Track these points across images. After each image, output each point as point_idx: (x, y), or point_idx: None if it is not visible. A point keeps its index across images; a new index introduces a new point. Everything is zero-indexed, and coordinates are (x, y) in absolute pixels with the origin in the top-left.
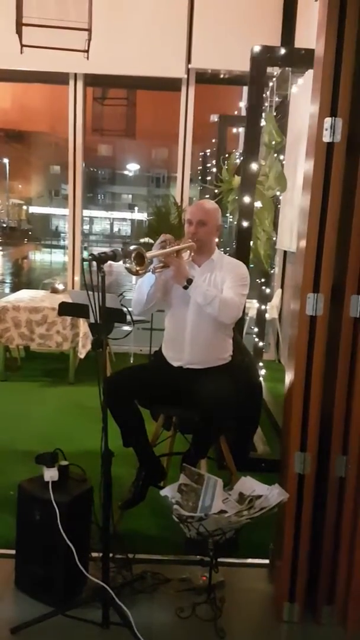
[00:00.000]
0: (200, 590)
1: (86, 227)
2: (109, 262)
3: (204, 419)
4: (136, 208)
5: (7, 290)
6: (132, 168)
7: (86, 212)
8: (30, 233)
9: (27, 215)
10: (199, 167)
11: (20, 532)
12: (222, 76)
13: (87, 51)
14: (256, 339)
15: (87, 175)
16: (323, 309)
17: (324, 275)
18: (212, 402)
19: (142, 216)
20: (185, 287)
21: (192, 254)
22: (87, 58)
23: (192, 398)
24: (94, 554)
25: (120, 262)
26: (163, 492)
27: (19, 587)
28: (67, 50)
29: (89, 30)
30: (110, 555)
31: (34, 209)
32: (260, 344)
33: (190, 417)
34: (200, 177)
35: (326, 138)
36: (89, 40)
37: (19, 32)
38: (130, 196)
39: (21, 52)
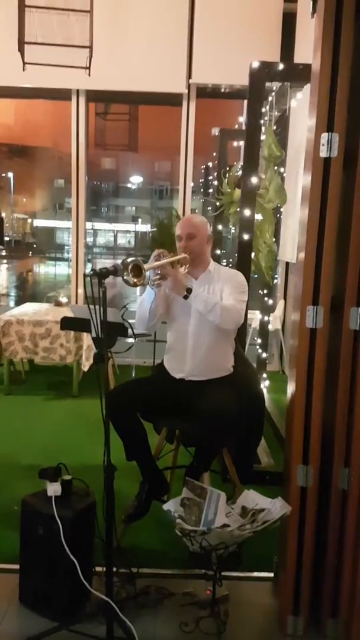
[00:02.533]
0: (204, 605)
1: (90, 239)
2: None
3: (206, 431)
4: (140, 220)
5: (12, 303)
6: (135, 181)
7: (90, 225)
8: (35, 246)
9: (31, 229)
10: (200, 180)
11: (23, 547)
12: (223, 90)
13: (88, 68)
14: (259, 350)
15: (91, 188)
16: (323, 321)
17: (323, 287)
18: (214, 414)
19: (146, 228)
20: (186, 297)
21: (187, 266)
22: (89, 75)
23: (194, 410)
24: (98, 569)
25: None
26: (166, 507)
27: (22, 602)
28: (69, 67)
29: (90, 47)
30: (114, 569)
31: (38, 222)
32: (264, 355)
33: (193, 429)
34: (202, 190)
35: (323, 153)
36: (90, 57)
37: (21, 50)
38: (133, 208)
39: (23, 70)
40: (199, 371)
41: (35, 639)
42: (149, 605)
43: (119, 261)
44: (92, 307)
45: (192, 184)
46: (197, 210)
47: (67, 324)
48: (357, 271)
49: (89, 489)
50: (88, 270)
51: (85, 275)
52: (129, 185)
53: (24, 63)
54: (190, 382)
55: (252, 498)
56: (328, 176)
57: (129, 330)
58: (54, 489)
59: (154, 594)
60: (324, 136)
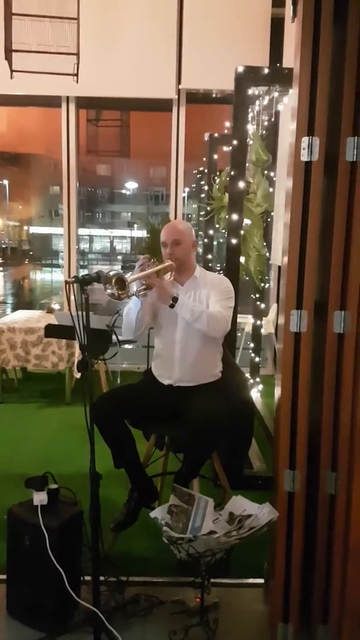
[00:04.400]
0: (193, 613)
1: (86, 245)
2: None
3: (194, 437)
4: (135, 226)
5: (8, 310)
6: (130, 187)
7: (86, 231)
8: (31, 253)
9: (27, 236)
10: (192, 185)
11: (10, 557)
12: (214, 95)
13: (76, 75)
14: (252, 355)
15: (87, 194)
16: (307, 325)
17: (306, 291)
18: (203, 420)
19: (142, 233)
20: (172, 306)
21: (173, 273)
22: (77, 81)
23: (182, 417)
24: (87, 578)
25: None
26: (153, 514)
27: (10, 612)
28: (56, 75)
29: (77, 54)
30: (104, 578)
31: (34, 229)
32: (257, 359)
33: (181, 436)
34: (198, 195)
35: (304, 157)
36: (78, 64)
37: (8, 58)
38: (129, 214)
39: (11, 77)
40: (187, 377)
41: None
42: (138, 614)
43: (117, 267)
44: (74, 314)
45: (187, 189)
46: (192, 215)
47: (51, 331)
48: (341, 275)
49: (76, 498)
50: (70, 277)
51: (66, 282)
52: (123, 191)
53: (12, 71)
54: (178, 388)
55: (240, 504)
56: (309, 180)
57: (113, 337)
58: (40, 498)
59: (144, 602)
60: (305, 140)
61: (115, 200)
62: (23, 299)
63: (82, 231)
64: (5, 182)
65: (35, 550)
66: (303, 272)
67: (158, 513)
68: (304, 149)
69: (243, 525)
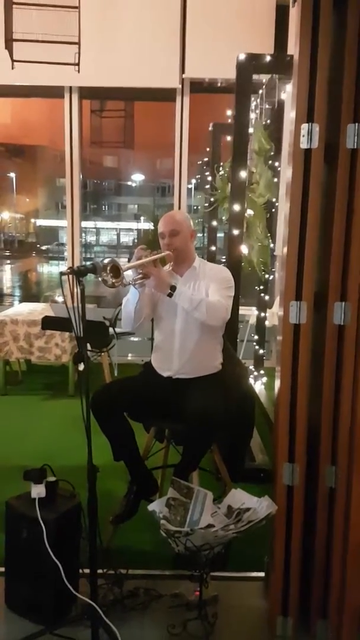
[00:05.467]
0: (192, 606)
1: (93, 238)
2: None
3: (193, 430)
4: (142, 218)
5: (15, 303)
6: (137, 179)
7: (92, 224)
8: (38, 246)
9: (34, 229)
10: (197, 176)
11: (8, 550)
12: (219, 85)
13: (77, 64)
14: (256, 347)
15: (93, 187)
16: (306, 316)
17: (306, 282)
18: (201, 413)
19: (149, 226)
20: (170, 295)
21: (172, 264)
22: (78, 71)
23: (182, 409)
24: (86, 571)
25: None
26: (150, 507)
27: (8, 605)
28: (58, 64)
29: (78, 43)
30: (103, 571)
31: (41, 222)
32: (261, 351)
33: (181, 428)
34: (200, 186)
35: (303, 144)
36: (79, 53)
37: (8, 47)
38: (135, 206)
39: (12, 68)
40: (186, 369)
41: None
42: (136, 607)
43: (123, 259)
44: (70, 306)
45: (194, 181)
46: (198, 207)
47: (48, 323)
48: (341, 265)
49: (75, 491)
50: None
51: (61, 274)
52: (130, 183)
53: (13, 61)
54: (177, 380)
55: (239, 497)
56: (309, 168)
57: (110, 329)
58: (37, 491)
59: (143, 595)
60: (304, 127)
61: (122, 192)
62: (29, 291)
63: (89, 224)
64: (12, 174)
65: (32, 543)
66: (303, 262)
67: (156, 506)
68: (303, 136)
69: (241, 519)
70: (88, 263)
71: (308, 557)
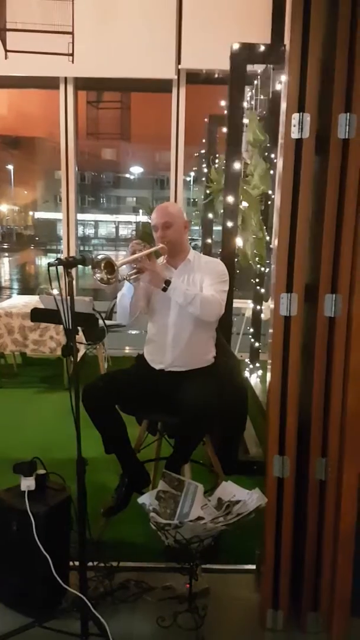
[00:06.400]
0: (182, 599)
1: (91, 231)
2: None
3: (185, 423)
4: (140, 211)
5: (14, 295)
6: (135, 171)
7: (91, 217)
8: (37, 239)
9: (33, 221)
10: (194, 168)
11: None
12: (216, 76)
13: (72, 54)
14: (252, 340)
15: (91, 179)
16: (297, 309)
17: (296, 274)
18: (193, 406)
19: (147, 219)
20: (165, 289)
21: (166, 256)
22: (72, 61)
23: (174, 402)
24: (77, 563)
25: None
26: (140, 500)
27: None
28: (51, 54)
29: (72, 33)
30: (95, 564)
31: (39, 215)
32: (257, 344)
33: (173, 421)
34: (196, 178)
35: (294, 134)
36: (73, 43)
37: (2, 37)
38: (134, 199)
39: (5, 57)
40: (178, 362)
41: (9, 636)
42: (127, 600)
43: (122, 253)
44: (58, 298)
45: (193, 173)
46: (197, 200)
47: (37, 315)
48: (332, 257)
49: (65, 483)
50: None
51: (49, 265)
52: (128, 175)
53: (6, 51)
54: (170, 372)
55: (229, 490)
56: (300, 158)
57: (100, 322)
58: (27, 483)
59: (133, 588)
60: (295, 116)
61: (121, 185)
62: (28, 284)
63: (88, 216)
64: (10, 167)
65: (22, 536)
66: (293, 254)
67: (146, 499)
68: (294, 125)
69: (231, 512)
70: (77, 255)
71: (299, 549)
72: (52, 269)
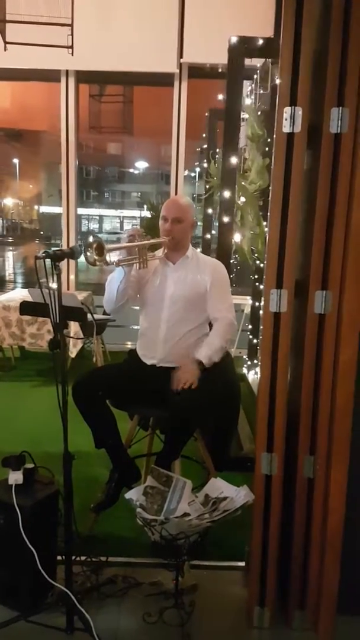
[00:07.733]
0: (169, 595)
1: (96, 225)
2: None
3: (175, 419)
4: (145, 206)
5: (18, 288)
6: (140, 166)
7: (95, 211)
8: (41, 233)
9: (38, 215)
10: (196, 163)
11: None
12: (220, 70)
13: (71, 47)
14: (250, 336)
15: (96, 174)
16: (287, 305)
17: (286, 270)
18: (184, 401)
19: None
20: (202, 370)
21: (166, 250)
22: (72, 54)
23: (165, 397)
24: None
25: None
26: (127, 495)
27: None
28: (50, 47)
29: (71, 25)
30: (83, 558)
31: (44, 209)
32: (255, 340)
33: (164, 416)
34: (201, 174)
35: (286, 128)
36: (72, 35)
37: (1, 29)
38: (139, 194)
39: (5, 49)
40: (170, 358)
41: None
42: (113, 595)
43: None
44: (45, 291)
45: (198, 169)
46: (198, 195)
47: (26, 308)
48: (323, 253)
49: (54, 477)
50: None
51: (37, 258)
52: (132, 170)
53: (5, 43)
54: (161, 368)
55: (217, 486)
56: (292, 153)
57: (88, 316)
58: (15, 477)
59: (121, 583)
60: (287, 110)
61: (125, 179)
62: (31, 277)
63: (92, 211)
64: (16, 160)
65: (9, 530)
66: (284, 250)
67: (133, 494)
68: (286, 119)
69: (217, 508)
70: (65, 248)
71: (287, 547)
72: (40, 262)
